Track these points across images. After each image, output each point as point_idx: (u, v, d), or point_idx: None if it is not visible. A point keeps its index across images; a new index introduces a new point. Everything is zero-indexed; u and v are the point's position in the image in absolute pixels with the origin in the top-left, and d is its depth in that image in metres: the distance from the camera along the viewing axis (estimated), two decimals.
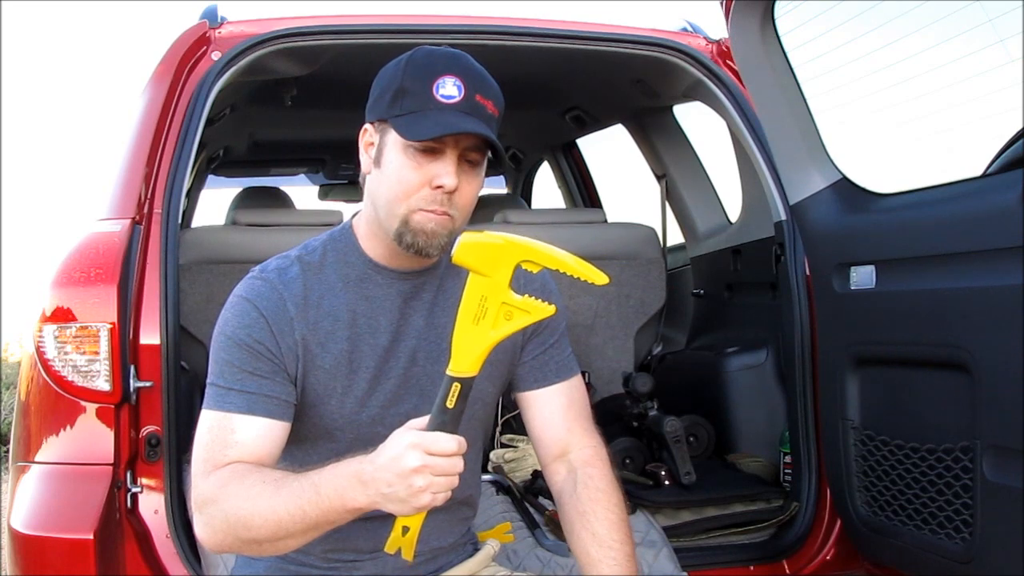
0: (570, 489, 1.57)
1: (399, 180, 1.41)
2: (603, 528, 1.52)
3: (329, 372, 1.47)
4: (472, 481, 1.65)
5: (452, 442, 1.25)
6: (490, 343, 1.29)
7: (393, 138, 1.41)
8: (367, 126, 1.48)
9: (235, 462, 1.39)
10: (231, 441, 1.40)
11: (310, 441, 1.52)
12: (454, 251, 1.28)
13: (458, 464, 1.25)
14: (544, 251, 1.28)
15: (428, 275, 1.53)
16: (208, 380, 1.46)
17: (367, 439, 1.44)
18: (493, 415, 1.62)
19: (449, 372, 1.29)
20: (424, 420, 1.29)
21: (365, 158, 1.49)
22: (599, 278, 1.27)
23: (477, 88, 1.40)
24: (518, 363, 1.62)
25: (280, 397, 1.43)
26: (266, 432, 1.42)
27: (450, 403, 1.27)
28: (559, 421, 1.61)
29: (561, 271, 1.29)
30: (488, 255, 1.27)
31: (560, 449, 1.61)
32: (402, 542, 1.34)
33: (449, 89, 1.38)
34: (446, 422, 1.27)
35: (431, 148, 1.39)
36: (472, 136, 1.39)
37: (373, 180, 1.47)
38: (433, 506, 1.27)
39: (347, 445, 1.46)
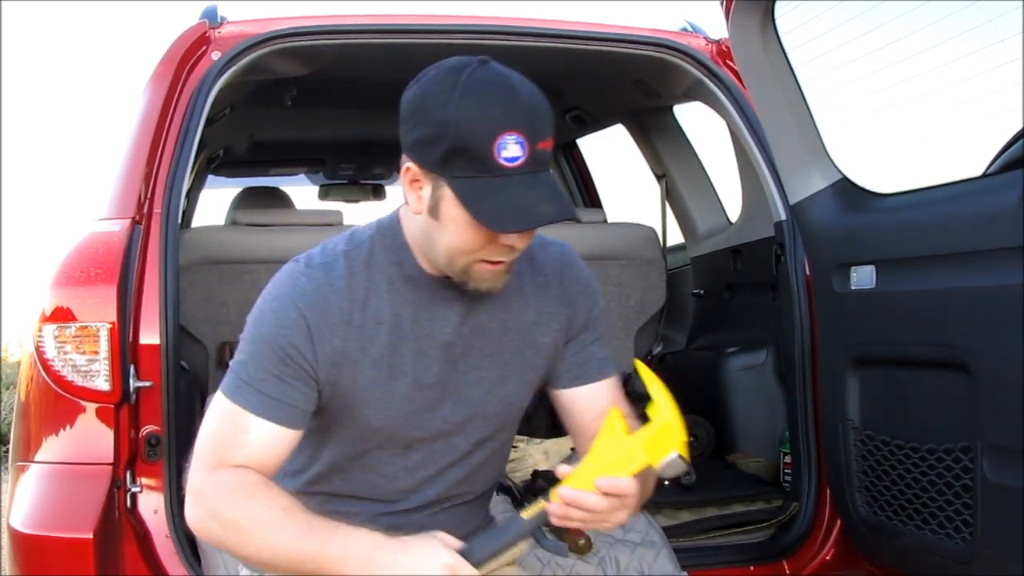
0: None
1: (464, 240, 1.33)
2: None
3: (368, 377, 1.42)
4: (497, 475, 1.66)
5: None
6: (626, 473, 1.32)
7: (452, 197, 1.30)
8: (411, 165, 1.34)
9: (243, 466, 1.36)
10: (241, 441, 1.37)
11: (341, 435, 1.49)
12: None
13: None
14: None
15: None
16: (233, 361, 1.42)
17: (400, 442, 1.45)
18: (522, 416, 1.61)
19: (552, 494, 1.30)
20: (455, 541, 1.30)
21: (412, 197, 1.36)
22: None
23: (537, 134, 1.29)
24: (559, 360, 1.56)
25: (299, 406, 1.39)
26: (278, 439, 1.39)
27: (506, 548, 1.30)
28: (600, 414, 1.50)
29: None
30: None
31: None
32: None
33: (512, 150, 1.26)
34: (483, 562, 1.26)
35: None
36: None
37: (428, 225, 1.36)
38: None
39: (378, 444, 1.47)
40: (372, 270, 1.43)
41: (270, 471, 1.39)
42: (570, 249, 1.61)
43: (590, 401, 1.56)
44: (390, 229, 1.46)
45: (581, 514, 1.32)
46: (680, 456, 1.29)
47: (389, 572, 1.22)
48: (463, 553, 1.25)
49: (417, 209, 1.36)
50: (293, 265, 1.44)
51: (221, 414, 1.39)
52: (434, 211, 1.34)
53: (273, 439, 1.38)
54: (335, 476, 1.51)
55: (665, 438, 1.30)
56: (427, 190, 1.33)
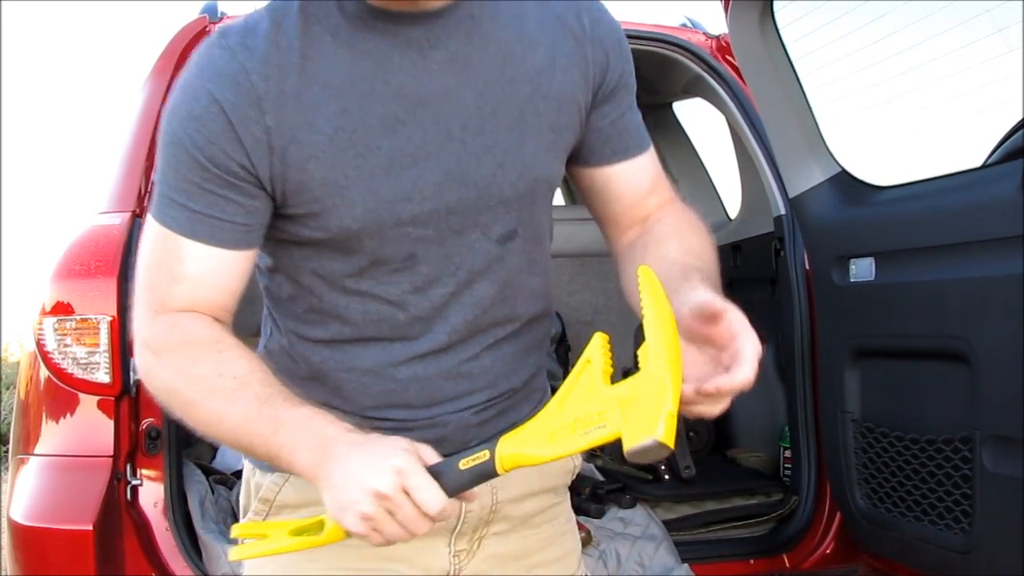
0: (639, 233, 1.24)
1: None
2: (685, 244, 1.17)
3: (326, 161, 1.08)
4: (542, 294, 1.24)
5: (437, 501, 0.98)
6: (569, 453, 1.00)
7: None
8: None
9: (189, 310, 1.11)
10: (178, 273, 1.10)
11: (322, 254, 1.14)
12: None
13: (422, 527, 0.99)
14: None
15: (450, 17, 1.10)
16: (154, 175, 1.14)
17: (398, 248, 1.11)
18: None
19: (502, 441, 1.01)
20: (433, 456, 1.02)
21: None
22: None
23: None
24: (590, 130, 1.21)
25: (237, 220, 1.09)
26: (222, 266, 1.10)
27: (465, 464, 1.01)
28: (642, 194, 1.26)
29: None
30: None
31: (640, 217, 1.26)
32: (301, 541, 1.06)
33: None
34: (450, 480, 1.00)
35: None
36: None
37: None
38: (363, 539, 1.01)
39: (371, 259, 1.12)
40: (309, 22, 1.09)
41: (225, 308, 1.13)
42: None
43: (630, 181, 1.25)
44: None
45: None
46: (660, 443, 0.89)
47: (338, 468, 1.00)
48: (433, 471, 1.00)
49: None
50: (208, 39, 1.13)
51: (153, 240, 1.12)
52: None
53: (217, 266, 1.10)
54: (332, 315, 1.16)
55: (648, 404, 0.92)
56: None
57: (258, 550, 1.08)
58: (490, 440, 1.02)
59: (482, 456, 1.00)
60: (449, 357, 1.16)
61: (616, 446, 0.93)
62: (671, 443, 0.91)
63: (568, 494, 1.36)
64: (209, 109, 1.06)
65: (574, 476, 1.35)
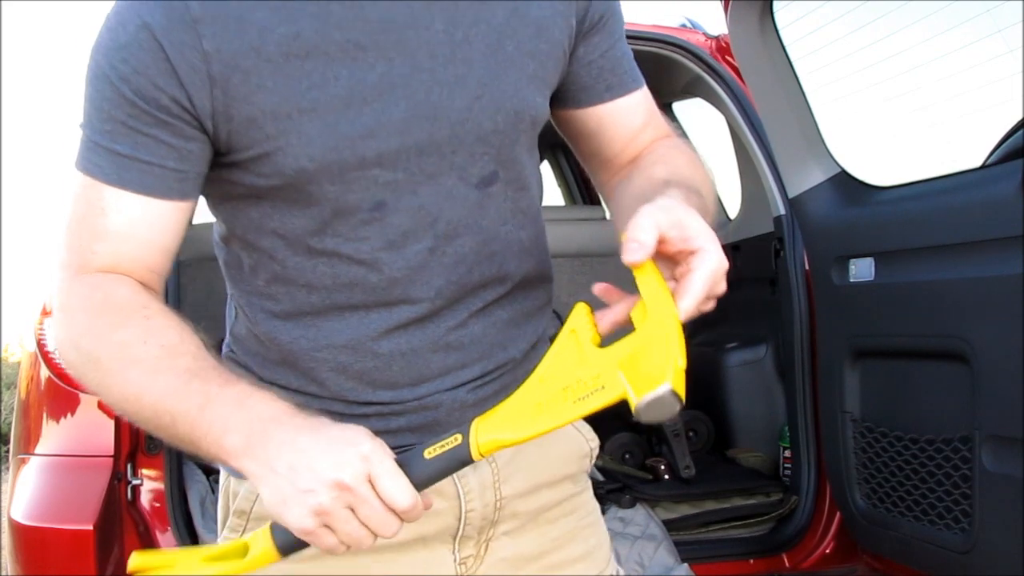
0: (631, 170, 1.12)
1: None
2: (669, 166, 1.06)
3: (276, 92, 0.94)
4: (535, 249, 1.11)
5: (407, 495, 0.84)
6: (560, 423, 0.87)
7: None
8: None
9: (110, 270, 0.97)
10: (101, 228, 0.96)
11: (281, 208, 0.99)
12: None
13: (389, 526, 0.85)
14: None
15: None
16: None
17: (363, 195, 0.97)
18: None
19: (476, 421, 0.88)
20: (388, 452, 0.87)
21: None
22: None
23: None
24: (581, 65, 1.09)
25: (168, 164, 0.95)
26: (147, 217, 0.96)
27: (431, 452, 0.87)
28: (636, 133, 1.14)
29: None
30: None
31: (634, 157, 1.15)
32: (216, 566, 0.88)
33: None
34: (416, 473, 0.86)
35: None
36: None
37: None
38: (312, 546, 0.86)
39: (333, 209, 0.98)
40: None
41: (155, 269, 0.99)
42: None
43: (625, 121, 1.13)
44: None
45: None
46: (673, 392, 0.81)
47: (283, 453, 0.84)
48: (401, 463, 0.86)
49: None
50: None
51: (74, 196, 0.99)
52: None
53: (144, 218, 0.96)
54: (298, 283, 1.02)
55: (654, 357, 0.84)
56: None
57: None
58: (462, 424, 0.90)
59: (453, 441, 0.87)
60: (435, 326, 1.03)
61: (616, 446, 0.91)
62: (683, 393, 0.83)
63: (589, 483, 1.21)
64: (136, 36, 0.92)
65: (592, 461, 1.20)
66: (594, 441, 1.19)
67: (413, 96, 0.96)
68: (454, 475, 0.97)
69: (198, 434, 0.88)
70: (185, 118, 0.94)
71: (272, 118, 0.94)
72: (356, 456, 0.83)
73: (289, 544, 0.87)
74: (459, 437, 0.87)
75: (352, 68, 0.95)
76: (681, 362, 0.83)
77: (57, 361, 2.03)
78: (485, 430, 0.87)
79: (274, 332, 1.04)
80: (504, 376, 1.08)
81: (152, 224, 0.97)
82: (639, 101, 1.14)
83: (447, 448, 0.87)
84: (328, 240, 0.99)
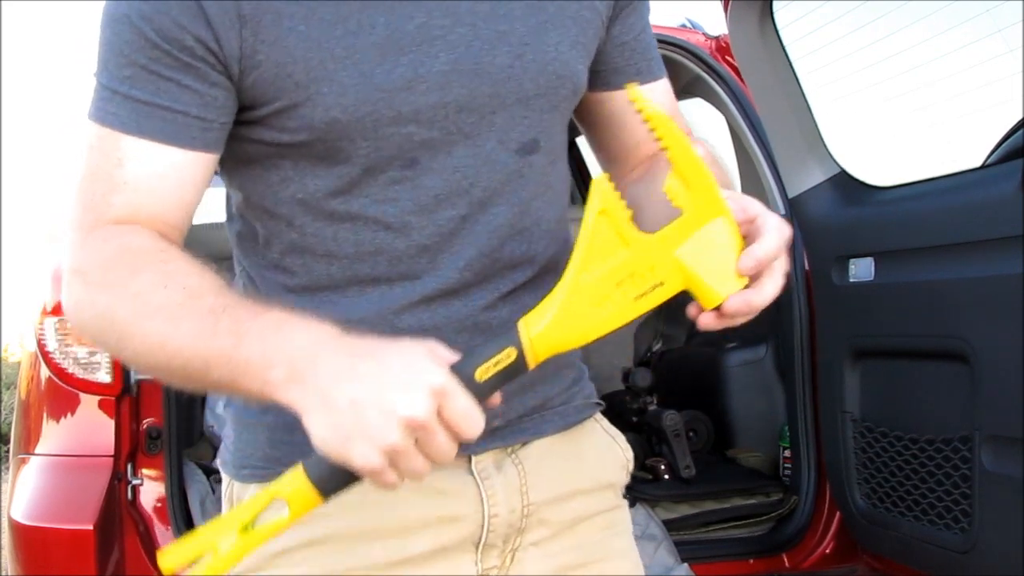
0: (647, 168, 1.06)
1: None
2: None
3: (310, 38, 0.88)
4: (562, 229, 1.04)
5: (478, 428, 0.77)
6: (623, 322, 0.80)
7: None
8: None
9: (124, 221, 0.89)
10: (118, 180, 0.89)
11: (305, 169, 0.93)
12: None
13: (450, 456, 0.77)
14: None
15: None
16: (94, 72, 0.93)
17: (396, 152, 0.91)
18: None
19: (524, 324, 0.80)
20: (447, 353, 0.79)
21: None
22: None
23: None
24: (610, 46, 1.05)
25: (190, 112, 0.88)
26: (168, 169, 0.89)
27: (483, 374, 0.78)
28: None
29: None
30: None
31: (649, 154, 1.08)
32: (247, 535, 0.78)
33: None
34: (475, 387, 0.78)
35: None
36: None
37: None
38: (380, 483, 0.77)
39: (364, 166, 0.92)
40: None
41: (176, 226, 0.92)
42: None
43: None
44: None
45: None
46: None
47: (340, 384, 0.75)
48: (455, 370, 0.77)
49: None
50: None
51: (88, 149, 0.91)
52: None
53: (165, 170, 0.89)
54: (318, 252, 0.95)
55: (716, 252, 0.79)
56: None
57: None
58: (501, 333, 0.81)
59: (506, 357, 0.79)
60: (462, 303, 0.95)
61: None
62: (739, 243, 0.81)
63: (626, 503, 1.13)
64: None
65: (629, 473, 1.14)
66: (629, 452, 1.13)
67: (454, 49, 0.91)
68: (477, 477, 0.97)
69: (236, 376, 0.79)
70: (210, 60, 0.87)
71: (303, 65, 0.88)
72: (429, 390, 0.75)
73: (333, 483, 0.78)
74: (512, 352, 0.79)
75: (390, 16, 0.89)
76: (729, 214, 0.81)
77: (57, 361, 2.03)
78: (541, 337, 0.79)
79: (289, 307, 0.93)
80: (533, 372, 1.02)
81: (173, 176, 0.90)
82: (665, 90, 1.11)
83: (501, 367, 0.79)
84: (354, 202, 0.92)
